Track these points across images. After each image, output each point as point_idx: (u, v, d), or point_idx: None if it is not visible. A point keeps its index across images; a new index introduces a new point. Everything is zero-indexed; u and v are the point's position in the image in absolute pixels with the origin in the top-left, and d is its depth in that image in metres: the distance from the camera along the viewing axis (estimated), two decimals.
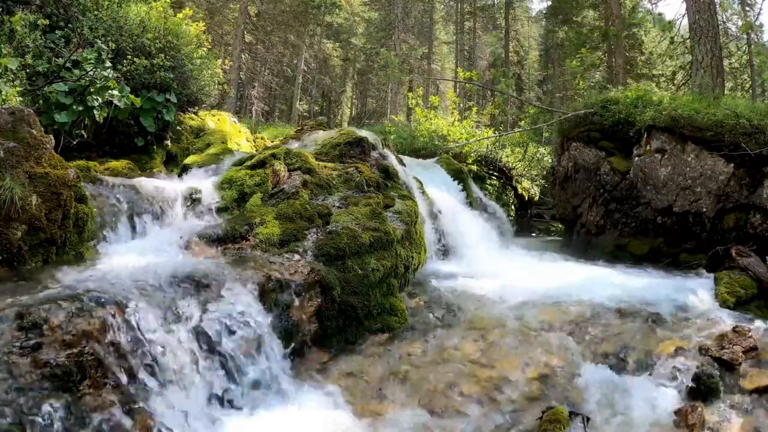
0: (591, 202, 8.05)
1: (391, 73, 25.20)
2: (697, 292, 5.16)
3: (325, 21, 28.30)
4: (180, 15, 7.99)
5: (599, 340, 4.19)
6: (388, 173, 6.51)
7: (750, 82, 17.79)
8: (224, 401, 3.15)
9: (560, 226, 10.58)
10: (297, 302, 3.88)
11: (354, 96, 40.64)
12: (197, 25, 8.37)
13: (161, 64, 6.66)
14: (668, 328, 4.30)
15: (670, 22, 11.88)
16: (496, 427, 3.22)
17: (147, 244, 4.25)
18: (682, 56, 13.82)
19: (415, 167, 8.32)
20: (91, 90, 5.34)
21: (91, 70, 5.28)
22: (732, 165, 6.41)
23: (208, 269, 3.72)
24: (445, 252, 6.81)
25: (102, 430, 2.48)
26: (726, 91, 11.54)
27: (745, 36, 15.41)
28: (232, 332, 3.36)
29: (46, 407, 2.34)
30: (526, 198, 12.04)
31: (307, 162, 5.71)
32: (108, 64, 5.61)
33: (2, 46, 4.87)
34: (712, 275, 5.49)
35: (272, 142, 10.04)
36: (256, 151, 8.39)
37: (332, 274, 4.19)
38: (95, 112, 5.40)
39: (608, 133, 7.95)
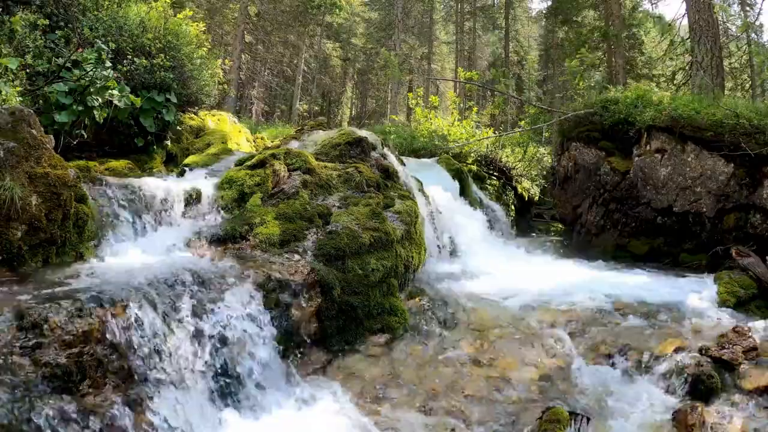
0: (591, 202, 8.05)
1: (391, 73, 25.25)
2: (697, 292, 5.17)
3: (325, 21, 28.30)
4: (180, 15, 8.00)
5: (599, 340, 4.20)
6: (388, 173, 6.50)
7: (750, 82, 17.79)
8: (224, 401, 3.15)
9: (560, 226, 10.58)
10: (297, 302, 3.88)
11: (354, 96, 40.61)
12: (197, 25, 8.37)
13: (161, 64, 6.66)
14: (668, 328, 4.30)
15: (670, 25, 11.88)
16: (496, 428, 3.22)
17: (147, 244, 4.25)
18: (682, 56, 13.82)
19: (415, 167, 8.31)
20: (91, 90, 5.34)
21: (91, 70, 5.28)
22: (732, 165, 6.41)
23: (207, 269, 3.72)
24: (445, 252, 6.81)
25: (102, 431, 2.48)
26: (726, 91, 11.55)
27: (745, 36, 15.42)
28: (232, 332, 3.36)
29: (46, 408, 2.34)
30: (526, 198, 12.03)
31: (307, 162, 5.71)
32: (108, 64, 5.61)
33: (2, 46, 4.87)
34: (712, 275, 5.49)
35: (272, 142, 10.04)
36: (256, 151, 8.39)
37: (332, 274, 4.19)
38: (95, 112, 5.40)
39: (608, 133, 7.96)
